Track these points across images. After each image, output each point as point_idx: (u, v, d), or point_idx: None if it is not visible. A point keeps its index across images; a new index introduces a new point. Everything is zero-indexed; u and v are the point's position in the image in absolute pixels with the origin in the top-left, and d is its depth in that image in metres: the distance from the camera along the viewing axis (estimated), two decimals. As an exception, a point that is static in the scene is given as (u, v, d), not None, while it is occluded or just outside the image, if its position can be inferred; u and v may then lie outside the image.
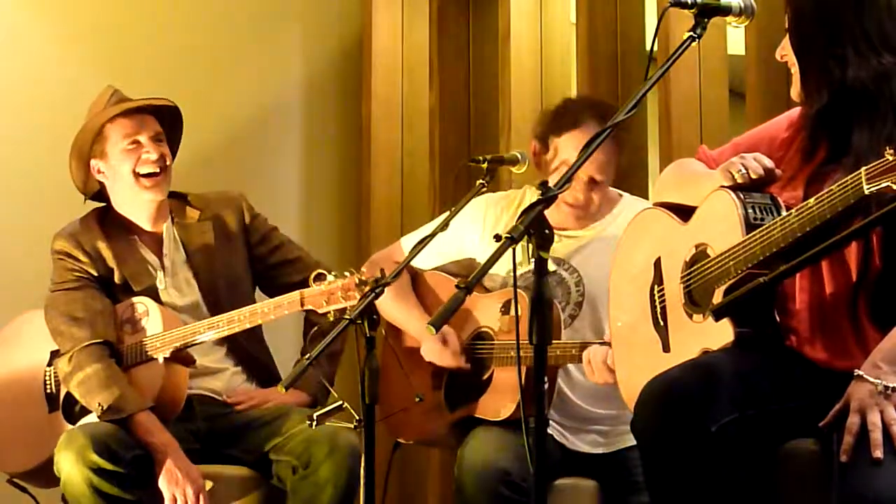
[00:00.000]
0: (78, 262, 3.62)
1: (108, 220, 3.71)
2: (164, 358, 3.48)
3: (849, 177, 2.28)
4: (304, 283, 3.60)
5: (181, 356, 3.51)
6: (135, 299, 3.58)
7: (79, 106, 4.73)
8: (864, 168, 2.23)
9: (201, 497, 3.36)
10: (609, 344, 3.18)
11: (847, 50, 2.51)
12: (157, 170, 3.62)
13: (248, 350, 3.67)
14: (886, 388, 2.29)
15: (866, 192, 2.22)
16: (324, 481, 3.34)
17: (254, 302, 3.63)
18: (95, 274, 3.61)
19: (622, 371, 2.88)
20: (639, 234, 2.90)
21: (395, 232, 4.70)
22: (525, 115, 4.37)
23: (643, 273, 2.80)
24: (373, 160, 4.96)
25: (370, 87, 4.98)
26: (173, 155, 3.72)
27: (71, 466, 3.27)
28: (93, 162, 3.67)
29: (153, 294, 3.61)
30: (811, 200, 2.36)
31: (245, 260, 3.74)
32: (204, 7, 4.94)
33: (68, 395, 3.54)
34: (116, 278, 3.61)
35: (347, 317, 2.91)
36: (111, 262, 3.62)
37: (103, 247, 3.63)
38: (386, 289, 2.97)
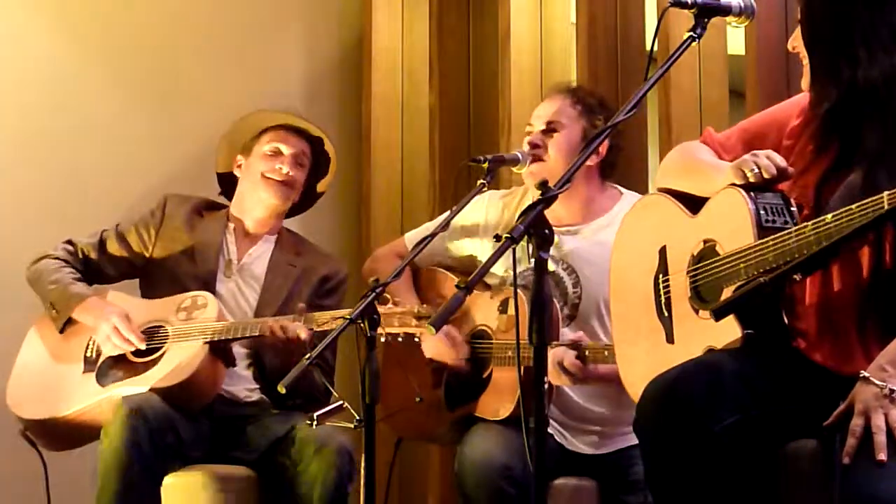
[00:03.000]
0: (151, 220, 3.82)
1: (210, 207, 3.89)
2: (209, 346, 3.53)
3: (870, 199, 2.25)
4: None
5: (223, 351, 3.57)
6: (200, 293, 3.67)
7: (79, 106, 4.74)
8: (886, 193, 2.21)
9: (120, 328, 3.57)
10: (566, 344, 3.21)
11: (859, 49, 2.47)
12: (282, 180, 3.80)
13: (268, 364, 3.68)
14: (892, 390, 2.27)
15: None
16: (312, 479, 3.38)
17: None
18: (147, 247, 3.78)
19: (623, 355, 2.87)
20: (643, 219, 2.88)
21: (395, 231, 4.70)
22: (525, 115, 4.35)
23: (646, 259, 2.79)
24: (373, 160, 4.96)
25: (370, 87, 4.98)
26: (314, 188, 3.97)
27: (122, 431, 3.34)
28: (239, 157, 3.88)
29: (211, 280, 3.71)
30: (829, 217, 2.34)
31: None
32: (204, 7, 4.94)
33: (106, 361, 3.61)
34: (177, 257, 3.75)
35: (347, 316, 2.91)
36: (172, 243, 3.76)
37: (180, 223, 3.79)
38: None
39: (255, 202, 3.84)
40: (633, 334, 2.83)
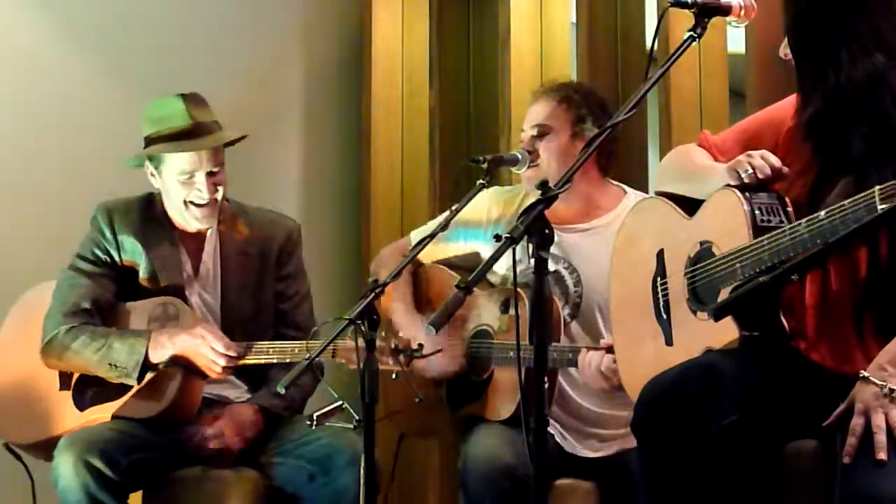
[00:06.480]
0: (104, 240, 3.62)
1: (153, 209, 3.68)
2: (183, 369, 3.48)
3: (862, 194, 2.27)
4: (277, 337, 3.59)
5: (200, 369, 3.52)
6: (170, 300, 3.57)
7: (78, 105, 4.73)
8: (878, 187, 2.23)
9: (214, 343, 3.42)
10: (603, 349, 3.20)
11: (841, 53, 2.50)
12: (207, 202, 3.58)
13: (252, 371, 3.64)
14: (892, 390, 2.28)
15: (879, 210, 2.22)
16: (343, 488, 3.36)
17: (271, 335, 3.63)
18: (116, 260, 3.62)
19: (623, 359, 2.87)
20: (641, 223, 2.89)
21: (395, 232, 4.70)
22: (525, 115, 4.36)
23: (645, 262, 2.80)
24: (373, 160, 4.96)
25: (370, 87, 4.98)
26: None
27: (70, 473, 3.28)
28: (147, 163, 3.60)
29: (180, 293, 3.59)
30: (822, 213, 2.35)
31: (272, 292, 3.71)
32: (204, 7, 4.93)
33: (81, 376, 3.54)
34: (142, 273, 3.61)
35: (347, 317, 2.90)
36: (135, 256, 3.61)
37: (134, 239, 3.61)
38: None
39: (186, 224, 3.63)
40: (633, 337, 2.83)
